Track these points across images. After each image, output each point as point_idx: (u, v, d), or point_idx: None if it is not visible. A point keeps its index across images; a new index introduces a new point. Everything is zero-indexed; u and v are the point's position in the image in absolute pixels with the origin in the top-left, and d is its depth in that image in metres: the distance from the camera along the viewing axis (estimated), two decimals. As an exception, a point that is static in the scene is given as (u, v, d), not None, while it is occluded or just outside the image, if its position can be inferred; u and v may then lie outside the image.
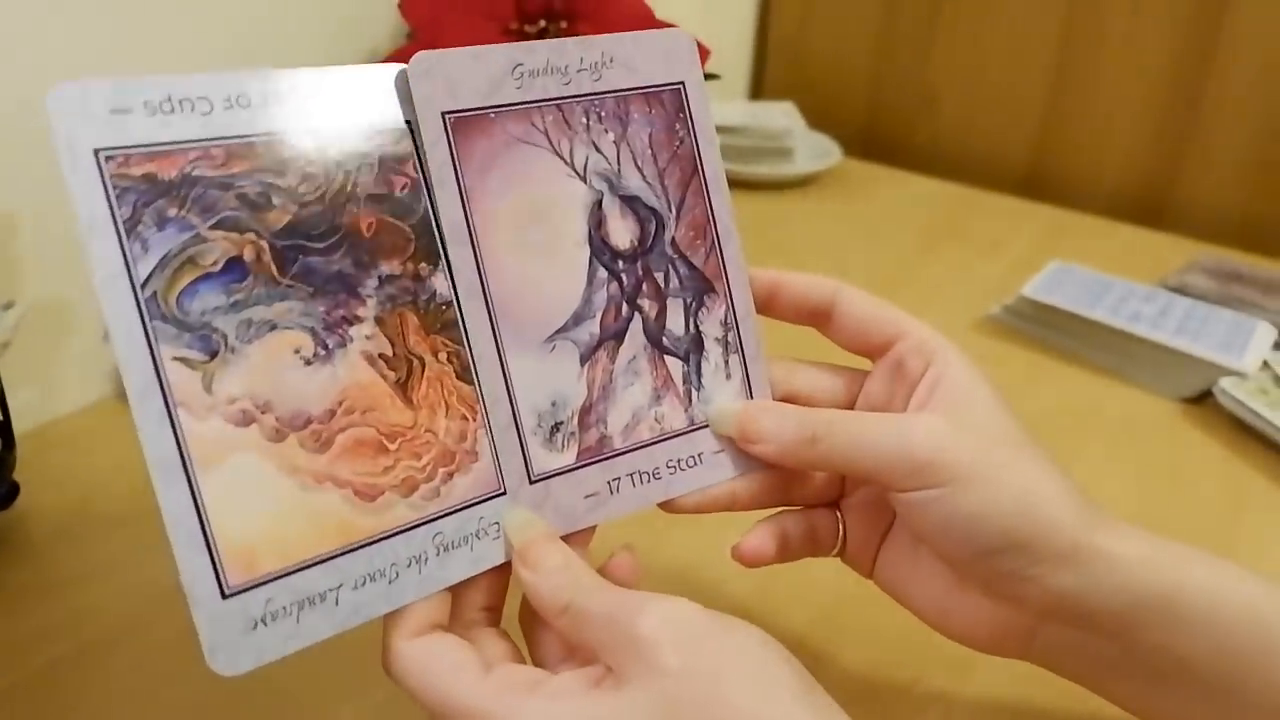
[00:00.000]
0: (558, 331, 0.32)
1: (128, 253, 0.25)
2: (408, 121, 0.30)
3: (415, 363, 0.29)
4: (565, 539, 0.31)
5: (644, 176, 0.33)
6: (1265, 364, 0.63)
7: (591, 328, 0.32)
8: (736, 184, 0.96)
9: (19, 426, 0.46)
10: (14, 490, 0.46)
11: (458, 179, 0.30)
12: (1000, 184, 0.99)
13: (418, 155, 0.30)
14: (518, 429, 0.31)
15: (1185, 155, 0.94)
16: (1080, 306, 0.68)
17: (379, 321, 0.28)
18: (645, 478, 0.32)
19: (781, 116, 0.99)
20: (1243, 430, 0.61)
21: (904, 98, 1.07)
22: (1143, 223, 0.92)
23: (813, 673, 0.27)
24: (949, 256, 0.83)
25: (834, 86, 1.11)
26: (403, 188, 0.29)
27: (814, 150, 1.00)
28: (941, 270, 0.81)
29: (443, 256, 0.30)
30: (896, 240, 0.86)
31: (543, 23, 0.61)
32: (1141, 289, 0.72)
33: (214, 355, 0.26)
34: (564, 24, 0.61)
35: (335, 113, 0.28)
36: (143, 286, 0.25)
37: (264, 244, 0.27)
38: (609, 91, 0.33)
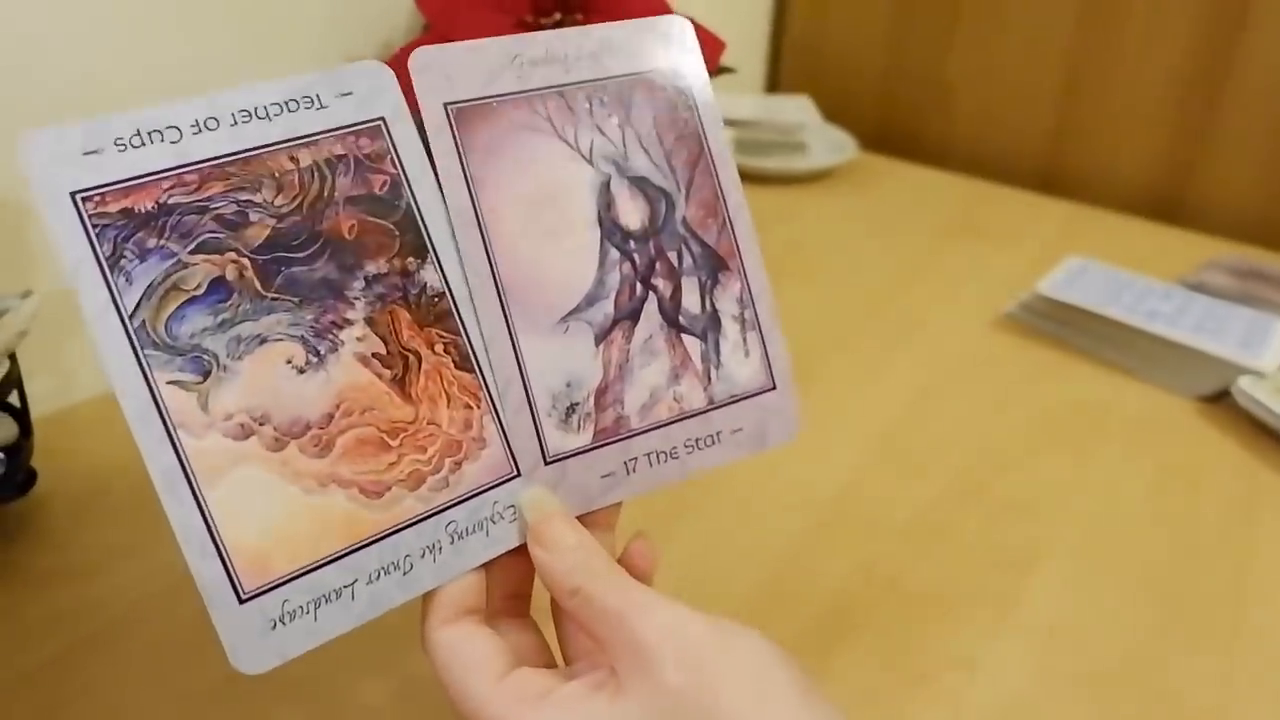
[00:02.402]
0: (571, 313, 0.31)
1: (113, 287, 0.26)
2: (381, 117, 0.30)
3: (411, 358, 0.29)
4: (587, 521, 0.31)
5: (650, 158, 0.33)
6: None
7: (606, 308, 0.32)
8: (750, 178, 0.99)
9: (36, 413, 0.47)
10: (31, 476, 0.46)
11: (463, 166, 0.30)
12: (1016, 179, 0.98)
13: (394, 150, 0.30)
14: (532, 411, 0.31)
15: (1204, 151, 0.91)
16: (1097, 304, 0.67)
17: (369, 322, 0.29)
18: (662, 457, 0.32)
19: (796, 110, 0.98)
20: (1260, 430, 0.59)
21: (920, 91, 1.05)
22: (1161, 219, 0.93)
23: (818, 670, 0.27)
24: (964, 252, 0.82)
25: (849, 80, 1.09)
26: (382, 186, 0.30)
27: (829, 144, 0.99)
28: (956, 266, 0.79)
29: (431, 249, 0.30)
30: (911, 235, 0.85)
31: (557, 15, 0.59)
32: (1159, 286, 0.70)
33: (207, 375, 0.27)
34: (579, 16, 0.59)
35: (304, 120, 0.29)
36: (131, 317, 0.26)
37: (245, 261, 0.28)
38: (610, 77, 0.32)
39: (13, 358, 0.45)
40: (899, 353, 0.67)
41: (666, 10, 0.61)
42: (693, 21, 0.59)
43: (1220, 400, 0.62)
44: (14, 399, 0.46)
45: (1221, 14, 0.87)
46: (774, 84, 1.16)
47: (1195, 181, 0.93)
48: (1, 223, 0.51)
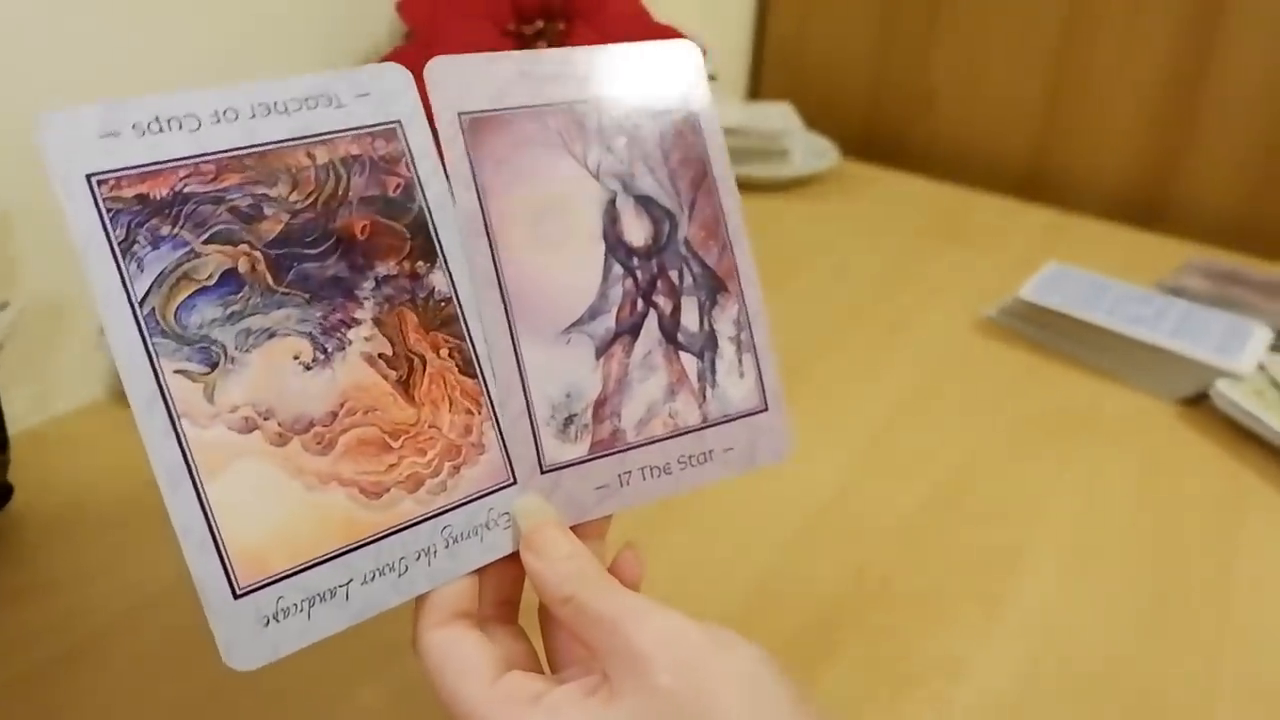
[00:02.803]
0: (573, 324, 0.32)
1: (124, 273, 0.26)
2: (397, 121, 0.30)
3: (416, 361, 0.30)
4: (578, 531, 0.31)
5: (655, 178, 0.33)
6: (1261, 366, 0.63)
7: (607, 322, 0.32)
8: None
9: (13, 427, 0.46)
10: (8, 491, 0.46)
11: (473, 175, 0.31)
12: (998, 185, 1.00)
13: (409, 154, 0.30)
14: (530, 419, 0.31)
15: (1183, 156, 0.94)
16: (1077, 308, 0.68)
17: (377, 322, 0.29)
18: (656, 472, 0.33)
19: (779, 117, 0.99)
20: (1239, 432, 0.61)
21: (902, 98, 1.07)
22: (1140, 224, 0.93)
23: (807, 673, 0.27)
24: (946, 258, 0.84)
25: (832, 87, 1.11)
26: (395, 189, 0.30)
27: (811, 151, 1.00)
28: (939, 271, 0.81)
29: (440, 254, 0.30)
30: (893, 241, 0.86)
31: (540, 23, 0.60)
32: (1138, 291, 0.72)
33: (214, 366, 0.27)
34: (561, 25, 0.60)
35: (322, 119, 0.29)
36: (140, 304, 0.26)
37: (258, 254, 0.27)
38: (620, 97, 0.33)
39: (-11, 370, 0.45)
40: (882, 358, 0.68)
41: (646, 16, 0.63)
42: (674, 28, 0.61)
43: (1199, 403, 0.63)
44: (-10, 412, 0.45)
45: (1199, 21, 0.89)
46: (756, 91, 1.16)
47: (1174, 187, 0.95)
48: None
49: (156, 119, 0.26)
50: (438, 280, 0.30)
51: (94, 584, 0.44)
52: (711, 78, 0.63)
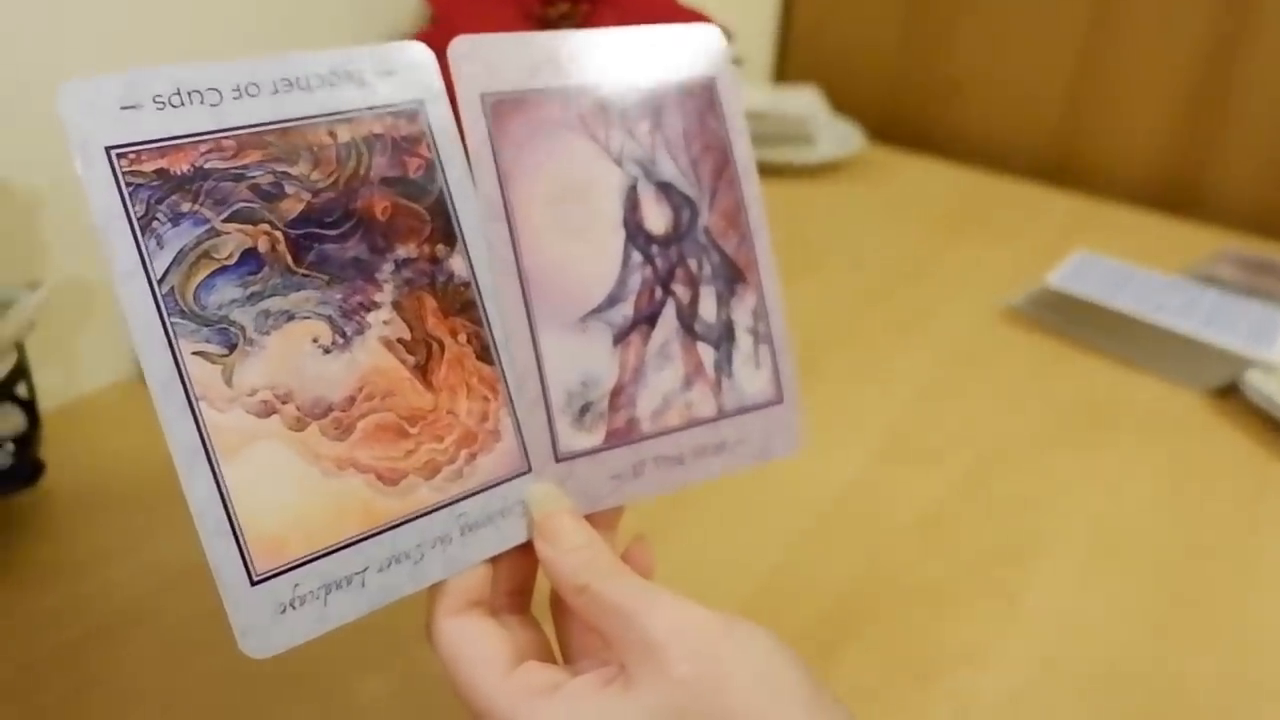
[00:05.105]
0: (592, 312, 0.32)
1: (143, 249, 0.25)
2: (420, 100, 0.29)
3: (434, 345, 0.29)
4: (591, 522, 0.31)
5: (677, 165, 0.33)
6: None
7: (625, 310, 0.32)
8: (758, 170, 1.06)
9: (44, 405, 0.46)
10: (39, 468, 0.46)
11: (494, 158, 0.30)
12: (1024, 171, 0.98)
13: (430, 135, 0.29)
14: (546, 406, 0.31)
15: (1213, 143, 0.91)
16: (1105, 296, 0.67)
17: (396, 306, 0.28)
18: (670, 463, 0.32)
19: (804, 102, 0.98)
20: (1270, 423, 0.60)
21: (928, 83, 1.05)
22: (1169, 211, 0.91)
23: (823, 667, 0.27)
24: (971, 245, 0.83)
25: (857, 72, 1.09)
26: (416, 169, 0.29)
27: (836, 136, 0.99)
28: (964, 259, 0.80)
29: (460, 237, 0.30)
30: (918, 228, 0.85)
31: (564, 6, 0.59)
32: (1167, 279, 0.71)
33: (233, 348, 0.26)
34: (585, 6, 0.59)
35: (345, 96, 0.28)
36: (160, 282, 0.25)
37: (278, 234, 0.27)
38: (643, 81, 0.33)
39: (20, 349, 0.44)
40: (905, 346, 0.67)
41: (672, 0, 0.62)
42: (700, 11, 0.60)
43: (1229, 393, 0.62)
44: (22, 390, 0.45)
45: (1230, 5, 0.87)
46: (782, 74, 1.14)
47: (1204, 174, 0.92)
48: (9, 212, 0.49)
49: (178, 91, 0.26)
50: (457, 264, 0.30)
51: (123, 560, 0.44)
52: (736, 61, 0.63)
